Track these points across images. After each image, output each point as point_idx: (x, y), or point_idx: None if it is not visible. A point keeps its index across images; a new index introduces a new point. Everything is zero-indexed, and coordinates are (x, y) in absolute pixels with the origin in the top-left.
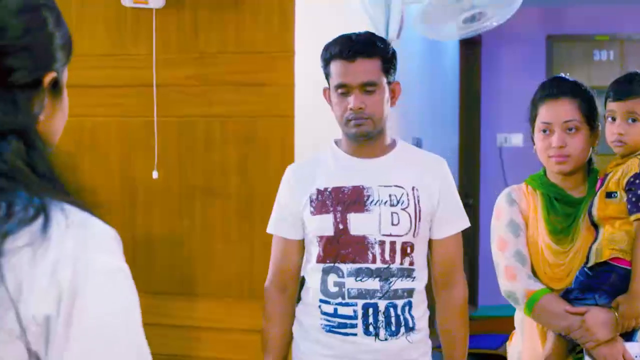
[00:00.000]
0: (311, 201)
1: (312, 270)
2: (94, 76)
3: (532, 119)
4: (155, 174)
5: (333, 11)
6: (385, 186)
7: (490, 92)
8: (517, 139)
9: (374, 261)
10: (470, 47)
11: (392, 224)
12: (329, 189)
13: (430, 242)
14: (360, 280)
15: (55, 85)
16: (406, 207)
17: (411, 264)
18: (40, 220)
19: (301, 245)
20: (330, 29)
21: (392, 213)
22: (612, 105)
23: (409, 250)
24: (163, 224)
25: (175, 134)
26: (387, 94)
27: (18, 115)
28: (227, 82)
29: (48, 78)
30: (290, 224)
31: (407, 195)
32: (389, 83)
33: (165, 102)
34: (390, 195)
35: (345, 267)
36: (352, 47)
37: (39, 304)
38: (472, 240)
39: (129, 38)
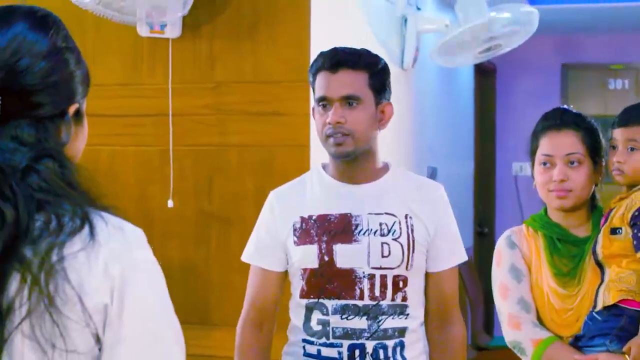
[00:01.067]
0: (294, 230)
1: (295, 306)
2: (110, 106)
3: (533, 152)
4: (170, 203)
5: (348, 41)
6: (375, 214)
7: (505, 120)
8: None
9: (361, 297)
10: (485, 76)
11: (383, 256)
12: (313, 217)
13: (425, 275)
14: (346, 318)
15: (77, 114)
16: (398, 237)
17: (404, 299)
18: (87, 228)
19: (281, 277)
20: None
21: (382, 243)
22: (615, 133)
23: (401, 284)
24: (179, 252)
25: (191, 163)
26: (373, 113)
27: (50, 141)
28: (243, 111)
29: (72, 109)
30: (271, 253)
31: (400, 223)
32: (378, 103)
33: (181, 131)
34: (380, 224)
35: (330, 304)
36: (335, 57)
37: (98, 295)
38: (488, 269)
39: (145, 68)
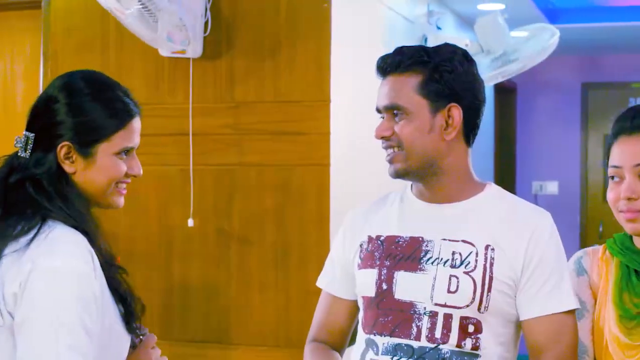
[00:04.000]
0: (360, 250)
1: (358, 340)
2: None
3: (607, 162)
4: (190, 222)
5: (368, 61)
6: (450, 240)
7: (525, 139)
8: (552, 187)
9: (417, 337)
10: (506, 95)
11: (449, 291)
12: (381, 238)
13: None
14: None
15: (85, 151)
16: (471, 271)
17: (475, 347)
18: (32, 234)
19: (353, 307)
20: (366, 78)
21: (450, 276)
22: (617, 156)
23: (471, 329)
24: (199, 272)
25: (211, 182)
26: (427, 122)
27: (35, 169)
28: (263, 131)
29: (59, 147)
30: (341, 278)
31: (477, 255)
32: (437, 109)
33: (201, 150)
34: (453, 253)
35: (382, 341)
36: (381, 61)
37: (11, 286)
38: None
39: (166, 87)
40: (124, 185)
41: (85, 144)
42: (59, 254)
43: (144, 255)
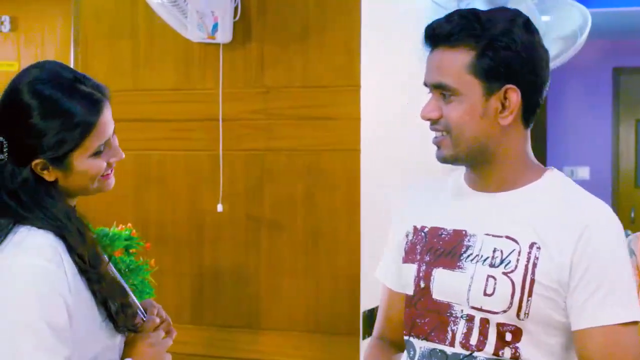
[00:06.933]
0: (406, 242)
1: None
2: (161, 110)
3: None
4: (220, 207)
5: (398, 45)
6: (493, 236)
7: (556, 124)
8: (583, 172)
9: (452, 343)
10: None
11: (485, 294)
12: (426, 229)
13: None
14: None
15: (60, 164)
16: (510, 272)
17: (515, 357)
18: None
19: None
20: (395, 62)
21: (488, 277)
22: None
23: (509, 337)
24: (229, 257)
25: (241, 167)
26: (479, 105)
27: (11, 183)
28: (293, 116)
29: (34, 164)
30: (394, 269)
31: (519, 254)
32: (491, 91)
33: (231, 136)
34: (494, 251)
35: (418, 345)
36: (430, 30)
37: None
38: None
39: (196, 73)
40: (110, 170)
41: (58, 159)
42: (19, 253)
43: (174, 241)
